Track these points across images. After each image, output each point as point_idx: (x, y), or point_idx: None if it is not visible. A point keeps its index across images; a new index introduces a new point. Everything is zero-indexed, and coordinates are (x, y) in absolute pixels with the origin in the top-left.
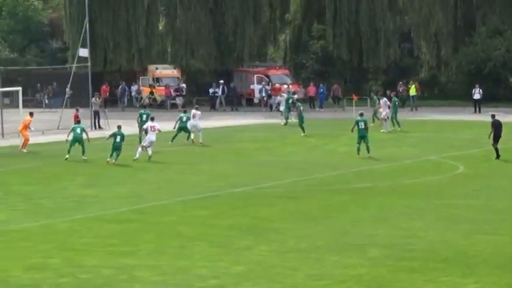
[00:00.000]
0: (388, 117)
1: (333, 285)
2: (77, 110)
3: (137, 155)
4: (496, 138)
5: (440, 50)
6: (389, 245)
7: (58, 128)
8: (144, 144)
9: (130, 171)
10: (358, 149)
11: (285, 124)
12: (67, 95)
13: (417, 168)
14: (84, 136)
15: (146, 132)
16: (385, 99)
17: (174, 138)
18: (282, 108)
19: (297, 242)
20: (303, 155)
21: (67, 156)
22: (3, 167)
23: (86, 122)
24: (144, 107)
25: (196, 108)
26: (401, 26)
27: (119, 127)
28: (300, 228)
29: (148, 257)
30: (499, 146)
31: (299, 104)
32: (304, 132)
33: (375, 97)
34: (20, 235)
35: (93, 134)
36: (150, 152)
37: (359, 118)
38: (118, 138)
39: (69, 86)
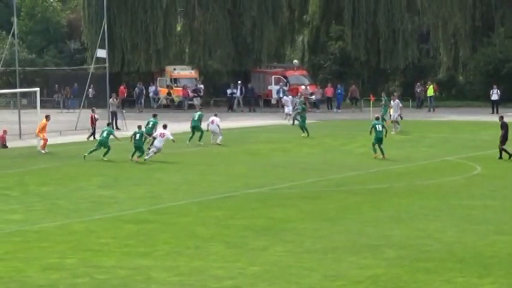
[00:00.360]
0: (399, 119)
1: (349, 286)
2: (93, 111)
3: (149, 155)
4: (504, 139)
5: (458, 51)
6: (406, 246)
7: (76, 129)
8: (153, 150)
9: (148, 172)
10: (375, 150)
11: (293, 125)
12: (90, 95)
13: (434, 169)
14: (111, 137)
15: (154, 139)
16: (397, 100)
17: (190, 138)
18: (287, 109)
19: (313, 242)
20: (320, 156)
21: (86, 154)
22: (21, 168)
23: (103, 123)
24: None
25: (215, 115)
26: (420, 27)
27: (139, 127)
28: (316, 228)
29: (164, 257)
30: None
31: (303, 106)
32: (307, 133)
33: (385, 98)
34: (36, 235)
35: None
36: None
37: (375, 122)
38: (137, 136)
39: (92, 86)
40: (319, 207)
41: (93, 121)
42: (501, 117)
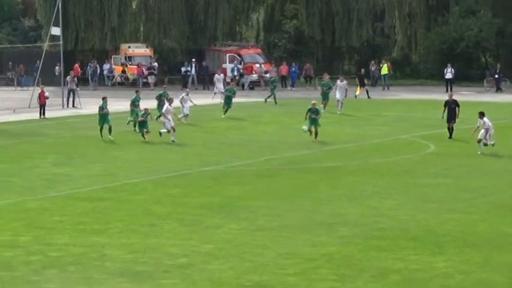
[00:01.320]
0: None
1: (302, 264)
2: (42, 88)
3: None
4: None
5: (413, 30)
6: (359, 224)
7: (29, 107)
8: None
9: (103, 150)
10: (310, 131)
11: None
12: (57, 73)
13: (388, 147)
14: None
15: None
16: (345, 81)
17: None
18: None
19: (267, 220)
20: (275, 134)
21: (101, 138)
22: None
23: (56, 101)
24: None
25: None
26: (375, 6)
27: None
28: (271, 206)
29: (119, 235)
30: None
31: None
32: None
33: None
34: None
35: (67, 112)
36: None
37: (311, 107)
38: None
39: (58, 64)
40: (274, 185)
41: (43, 99)
42: (450, 95)
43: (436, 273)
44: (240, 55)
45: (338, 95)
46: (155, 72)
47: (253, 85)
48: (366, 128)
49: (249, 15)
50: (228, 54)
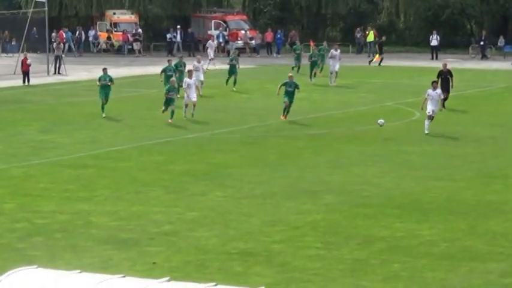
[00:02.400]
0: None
1: (287, 231)
2: (25, 55)
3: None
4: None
5: None
6: (345, 192)
7: (14, 73)
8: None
9: (88, 117)
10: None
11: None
12: (52, 40)
13: (373, 115)
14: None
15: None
16: (339, 51)
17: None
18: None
19: (252, 188)
20: (259, 101)
21: (104, 114)
22: None
23: (42, 67)
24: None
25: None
26: None
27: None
28: (255, 174)
29: (104, 202)
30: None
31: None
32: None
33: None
34: None
35: (52, 79)
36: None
37: (287, 81)
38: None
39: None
40: (259, 152)
41: (26, 66)
42: (444, 64)
43: (421, 241)
44: (225, 22)
45: (333, 66)
46: (140, 39)
47: (238, 52)
48: (351, 95)
49: None
50: (213, 21)
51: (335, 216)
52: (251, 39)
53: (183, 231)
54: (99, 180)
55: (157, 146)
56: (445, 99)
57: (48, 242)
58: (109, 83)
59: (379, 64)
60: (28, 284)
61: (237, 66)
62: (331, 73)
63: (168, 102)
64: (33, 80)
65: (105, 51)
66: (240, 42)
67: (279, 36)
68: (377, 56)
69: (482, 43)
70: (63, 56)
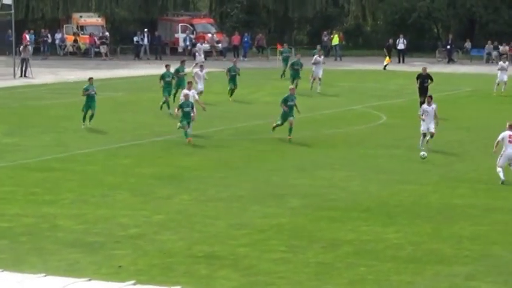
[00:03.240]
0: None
1: (253, 234)
2: None
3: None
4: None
5: (365, 0)
6: (311, 195)
7: None
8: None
9: (55, 120)
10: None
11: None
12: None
13: (340, 118)
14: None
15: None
16: (323, 57)
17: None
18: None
19: (218, 191)
20: (226, 104)
21: (83, 125)
22: None
23: (7, 70)
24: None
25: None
26: None
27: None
28: (222, 177)
29: (70, 205)
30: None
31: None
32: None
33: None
34: None
35: (19, 82)
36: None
37: (288, 95)
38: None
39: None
40: (225, 155)
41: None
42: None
43: (387, 244)
44: (192, 25)
45: (318, 72)
46: (107, 42)
47: (205, 55)
48: (319, 99)
49: None
50: (180, 24)
51: (301, 220)
52: (218, 42)
53: (149, 234)
54: (65, 183)
55: (124, 149)
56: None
57: (13, 245)
58: (94, 93)
59: (385, 68)
60: None
61: (237, 76)
62: (314, 79)
63: (186, 117)
64: None
65: (72, 54)
66: (206, 46)
67: (245, 39)
68: (387, 58)
69: (449, 47)
70: (29, 58)
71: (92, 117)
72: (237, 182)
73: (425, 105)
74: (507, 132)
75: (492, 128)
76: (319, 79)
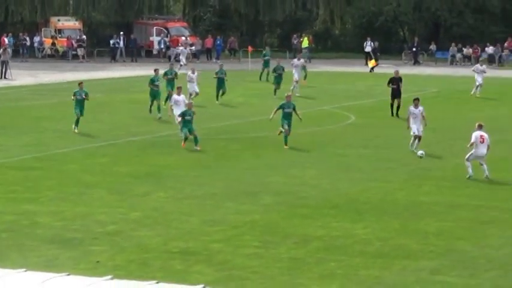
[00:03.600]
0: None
1: (227, 231)
2: None
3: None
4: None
5: (334, 4)
6: (283, 193)
7: None
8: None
9: (35, 121)
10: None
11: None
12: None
13: (310, 118)
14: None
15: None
16: (302, 60)
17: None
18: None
19: (193, 189)
20: (200, 104)
21: (76, 130)
22: None
23: None
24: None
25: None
26: None
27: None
28: (196, 175)
29: (49, 203)
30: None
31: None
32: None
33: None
34: None
35: (22, 82)
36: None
37: (284, 102)
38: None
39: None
40: (200, 154)
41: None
42: (396, 72)
43: (355, 240)
44: (166, 28)
45: (296, 75)
46: (84, 44)
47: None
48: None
49: None
50: (155, 28)
51: (273, 216)
52: (191, 45)
53: (126, 231)
54: (44, 181)
55: (101, 148)
56: (398, 105)
57: None
58: (84, 97)
59: (372, 70)
60: None
61: (225, 79)
62: (295, 82)
63: (186, 125)
64: None
65: (50, 56)
66: (180, 48)
67: (218, 42)
68: (373, 61)
69: (414, 49)
70: (9, 61)
71: (77, 121)
72: (211, 181)
73: (412, 108)
74: (478, 132)
75: (457, 129)
76: (296, 82)
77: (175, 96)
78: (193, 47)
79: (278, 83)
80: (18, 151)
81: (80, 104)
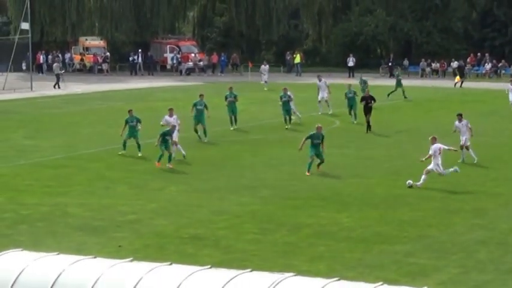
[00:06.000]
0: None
1: (231, 220)
2: None
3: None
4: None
5: (321, 26)
6: (277, 186)
7: (3, 89)
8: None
9: (65, 126)
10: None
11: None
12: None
13: (301, 123)
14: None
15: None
16: (323, 79)
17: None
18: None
19: (201, 183)
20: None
21: (123, 151)
22: None
23: (26, 84)
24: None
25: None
26: (290, 5)
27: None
28: (203, 172)
29: (78, 196)
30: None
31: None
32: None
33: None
34: None
35: (35, 94)
36: (182, 150)
37: (314, 132)
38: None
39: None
40: (208, 154)
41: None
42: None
43: (341, 227)
44: (178, 46)
45: (322, 94)
46: (108, 60)
47: (189, 71)
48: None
49: (186, 13)
50: (168, 46)
51: (269, 207)
52: (200, 61)
53: (144, 219)
54: (74, 177)
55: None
56: (369, 122)
57: (32, 229)
58: (135, 124)
59: (460, 86)
60: (15, 262)
61: (235, 103)
62: (322, 101)
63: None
64: (18, 95)
65: (79, 70)
66: (190, 64)
67: (222, 58)
68: (457, 77)
69: (390, 64)
70: (61, 73)
71: (139, 146)
72: (216, 176)
73: (456, 122)
74: (437, 145)
75: (425, 130)
76: (326, 101)
77: (166, 117)
78: (201, 62)
79: (288, 112)
80: (51, 151)
81: (131, 131)
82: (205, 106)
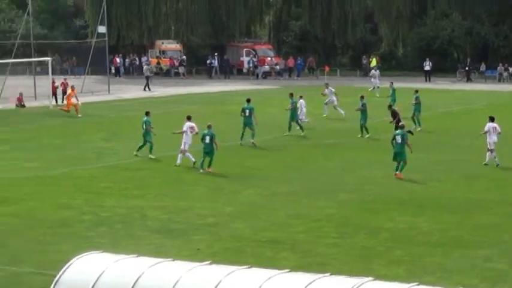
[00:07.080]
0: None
1: (308, 223)
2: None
3: (178, 161)
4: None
5: (397, 29)
6: (355, 190)
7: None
8: (184, 148)
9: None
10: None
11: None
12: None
13: (374, 128)
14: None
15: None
16: (330, 88)
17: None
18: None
19: (278, 187)
20: (283, 114)
21: (201, 170)
22: (36, 123)
23: (103, 87)
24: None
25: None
26: (366, 9)
27: (209, 126)
28: (280, 175)
29: (155, 199)
30: None
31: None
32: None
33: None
34: (49, 180)
35: (112, 97)
36: (191, 157)
37: (400, 132)
38: (207, 139)
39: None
40: (283, 157)
41: (54, 88)
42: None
43: (419, 231)
44: (254, 50)
45: (331, 99)
46: (184, 64)
47: (265, 75)
48: (354, 111)
49: (262, 17)
50: (244, 49)
51: (347, 211)
52: (276, 64)
53: (223, 222)
54: (151, 180)
55: (198, 152)
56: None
57: (111, 231)
58: (208, 141)
59: None
60: (96, 264)
61: (252, 117)
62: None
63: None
64: (96, 98)
65: (155, 74)
66: (266, 67)
67: (299, 62)
68: None
69: (467, 68)
70: (151, 76)
71: (210, 161)
72: (292, 180)
73: (490, 123)
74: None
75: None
76: (334, 106)
77: (189, 123)
78: (277, 66)
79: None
80: (128, 154)
81: (206, 147)
82: (253, 110)
